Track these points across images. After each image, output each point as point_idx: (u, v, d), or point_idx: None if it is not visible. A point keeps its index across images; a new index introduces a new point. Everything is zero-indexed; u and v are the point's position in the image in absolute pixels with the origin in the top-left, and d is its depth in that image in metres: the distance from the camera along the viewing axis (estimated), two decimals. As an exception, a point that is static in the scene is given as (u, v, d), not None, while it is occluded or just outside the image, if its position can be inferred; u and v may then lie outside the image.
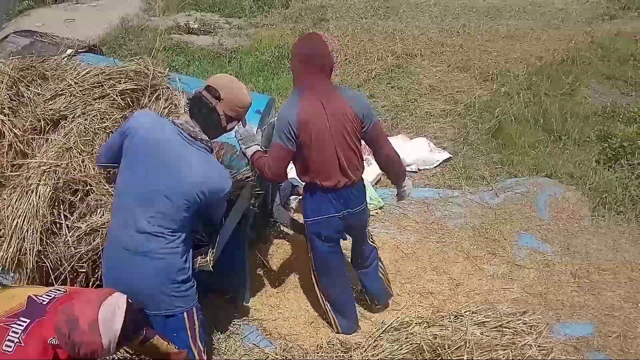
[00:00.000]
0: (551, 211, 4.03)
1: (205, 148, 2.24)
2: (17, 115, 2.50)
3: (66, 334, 1.73)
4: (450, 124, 5.31)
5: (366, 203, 2.90)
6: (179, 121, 2.24)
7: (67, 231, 2.32)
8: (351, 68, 6.35)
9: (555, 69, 6.34)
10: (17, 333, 1.74)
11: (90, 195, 2.40)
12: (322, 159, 2.64)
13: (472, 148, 4.91)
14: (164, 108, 2.66)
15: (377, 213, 4.05)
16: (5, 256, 2.25)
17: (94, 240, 2.34)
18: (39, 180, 2.31)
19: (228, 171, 2.41)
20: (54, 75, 2.68)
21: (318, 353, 2.69)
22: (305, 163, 2.68)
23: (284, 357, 2.84)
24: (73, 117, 2.53)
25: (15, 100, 2.54)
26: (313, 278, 3.01)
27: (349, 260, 3.12)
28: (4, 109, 2.48)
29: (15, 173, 2.39)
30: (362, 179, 2.84)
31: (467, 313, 2.51)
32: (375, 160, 2.93)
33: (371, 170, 4.13)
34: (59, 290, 1.94)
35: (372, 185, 4.25)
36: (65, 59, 2.89)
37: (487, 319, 2.45)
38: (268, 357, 2.86)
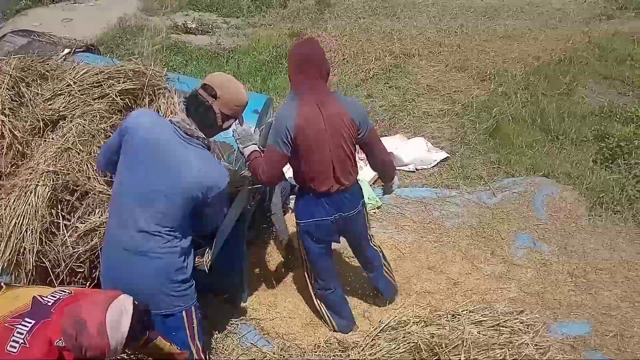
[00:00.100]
0: (548, 211, 4.04)
1: (202, 145, 2.24)
2: (17, 116, 2.50)
3: (74, 337, 1.73)
4: (448, 123, 5.32)
5: (362, 206, 2.89)
6: (176, 119, 2.24)
7: (65, 231, 2.32)
8: (349, 68, 6.36)
9: (553, 68, 6.35)
10: (22, 334, 1.73)
11: (88, 195, 2.40)
12: (317, 164, 2.65)
13: (470, 148, 4.92)
14: (163, 108, 2.66)
15: (374, 213, 4.05)
16: (4, 256, 2.25)
17: (92, 240, 2.34)
18: (38, 181, 2.31)
19: (226, 168, 2.41)
20: (54, 75, 2.68)
21: (316, 352, 2.68)
22: (300, 167, 2.69)
23: (282, 357, 2.84)
24: (72, 118, 2.53)
25: (15, 101, 2.54)
26: (307, 279, 3.03)
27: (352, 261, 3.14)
28: (5, 109, 2.48)
29: (12, 175, 2.40)
30: (357, 183, 2.86)
31: (464, 312, 2.51)
32: (370, 164, 2.95)
33: (369, 170, 4.11)
34: (64, 291, 1.93)
35: (370, 185, 4.26)
36: (62, 59, 2.89)
37: (485, 318, 2.45)
38: (266, 356, 2.86)
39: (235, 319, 3.12)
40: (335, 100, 2.66)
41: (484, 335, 2.34)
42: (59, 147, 2.42)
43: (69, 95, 2.58)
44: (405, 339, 2.35)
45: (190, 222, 2.28)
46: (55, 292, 1.91)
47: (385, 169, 2.94)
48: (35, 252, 2.27)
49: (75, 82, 2.61)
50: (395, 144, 4.66)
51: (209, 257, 2.43)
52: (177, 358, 2.24)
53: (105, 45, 6.56)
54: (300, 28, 7.65)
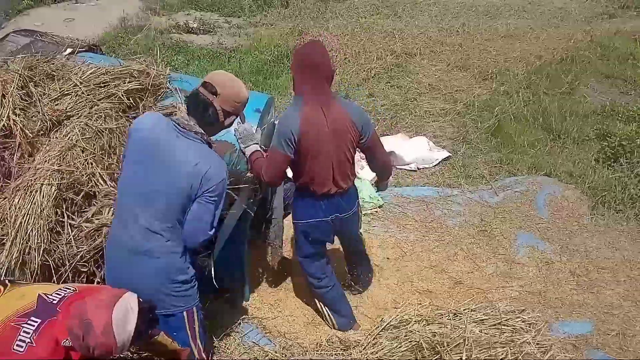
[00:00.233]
0: (550, 210, 4.04)
1: (200, 140, 2.21)
2: (27, 116, 2.51)
3: (80, 337, 1.74)
4: (450, 122, 5.32)
5: (357, 206, 2.93)
6: (175, 117, 2.25)
7: (70, 230, 2.33)
8: (350, 67, 6.36)
9: (555, 67, 6.35)
10: (28, 333, 1.74)
11: (94, 194, 2.41)
12: (318, 167, 2.66)
13: (472, 147, 4.92)
14: (166, 107, 2.67)
15: (376, 212, 4.06)
16: (10, 255, 2.26)
17: (97, 239, 2.35)
18: (44, 180, 2.32)
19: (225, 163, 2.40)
20: (60, 74, 2.69)
21: (318, 351, 2.69)
22: (300, 169, 2.70)
23: (284, 355, 2.84)
24: (79, 117, 2.53)
25: (25, 100, 2.55)
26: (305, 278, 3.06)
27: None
28: (16, 109, 2.48)
29: (18, 175, 2.41)
30: (354, 184, 2.88)
31: (466, 311, 2.51)
32: (370, 166, 2.98)
33: (369, 170, 4.13)
34: (68, 288, 1.94)
35: (372, 185, 4.26)
36: (65, 58, 2.90)
37: (486, 317, 2.46)
38: (268, 355, 2.86)
39: (237, 318, 3.12)
40: (339, 105, 2.67)
41: (485, 334, 2.34)
42: (63, 146, 2.43)
43: (76, 96, 2.58)
44: (407, 337, 2.36)
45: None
46: (60, 289, 1.92)
47: (385, 170, 3.00)
48: (41, 251, 2.28)
49: (81, 83, 2.62)
50: (396, 143, 4.66)
51: (212, 262, 2.44)
52: (179, 355, 2.25)
53: (107, 45, 6.57)
54: (301, 27, 7.65)
